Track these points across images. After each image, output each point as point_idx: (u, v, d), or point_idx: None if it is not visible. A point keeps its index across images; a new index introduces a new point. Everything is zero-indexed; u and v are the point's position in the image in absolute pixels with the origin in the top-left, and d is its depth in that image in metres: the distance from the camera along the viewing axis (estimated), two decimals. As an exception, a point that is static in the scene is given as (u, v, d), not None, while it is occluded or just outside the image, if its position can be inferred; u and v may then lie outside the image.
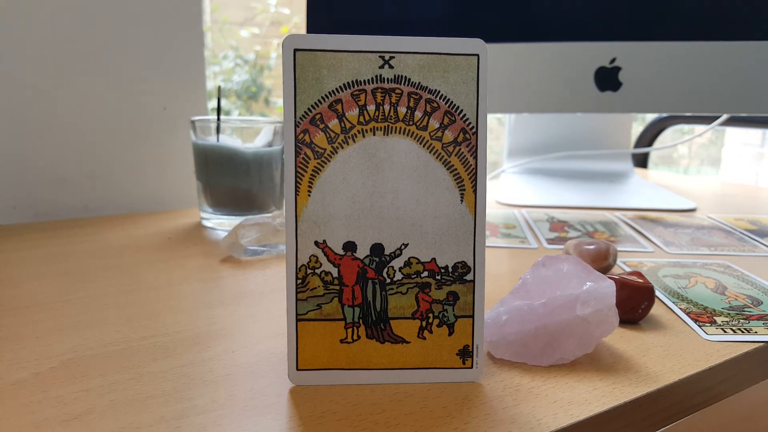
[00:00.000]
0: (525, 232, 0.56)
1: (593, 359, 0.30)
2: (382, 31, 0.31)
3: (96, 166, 0.60)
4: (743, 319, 0.35)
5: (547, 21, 0.66)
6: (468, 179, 0.27)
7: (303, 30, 0.71)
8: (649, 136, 1.08)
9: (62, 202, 0.59)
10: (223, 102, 0.89)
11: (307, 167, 0.26)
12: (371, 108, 0.26)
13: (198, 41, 0.63)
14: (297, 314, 0.27)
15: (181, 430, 0.24)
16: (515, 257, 0.48)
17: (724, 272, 0.44)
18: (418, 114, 0.26)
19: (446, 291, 0.27)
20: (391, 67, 0.26)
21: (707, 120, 0.95)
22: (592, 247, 0.43)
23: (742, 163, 2.55)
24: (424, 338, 0.27)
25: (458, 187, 0.27)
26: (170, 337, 0.32)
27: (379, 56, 0.26)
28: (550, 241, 0.53)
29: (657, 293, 0.39)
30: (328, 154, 0.26)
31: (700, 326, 0.34)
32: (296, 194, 0.26)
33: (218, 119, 0.54)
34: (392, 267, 0.27)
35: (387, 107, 0.26)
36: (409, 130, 0.26)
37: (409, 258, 0.27)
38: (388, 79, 0.26)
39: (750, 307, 0.37)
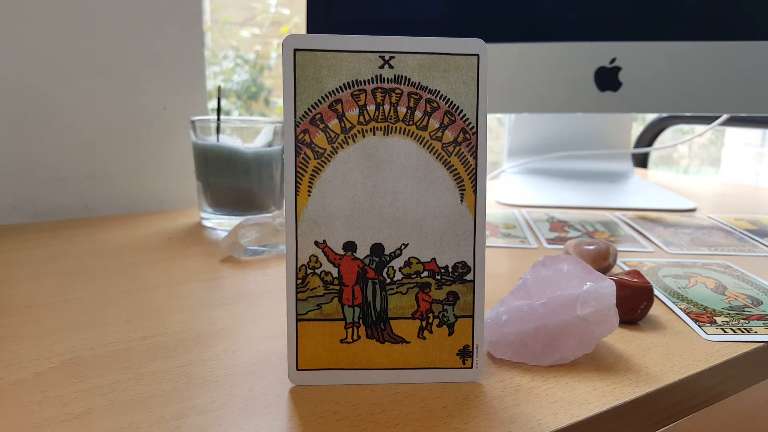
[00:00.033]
0: (525, 232, 0.56)
1: (593, 359, 0.30)
2: (382, 31, 0.31)
3: (96, 166, 0.60)
4: (743, 319, 0.35)
5: (547, 21, 0.66)
6: (468, 179, 0.27)
7: (303, 30, 0.71)
8: (649, 136, 1.08)
9: (62, 202, 0.59)
10: (223, 102, 0.89)
11: (307, 167, 0.26)
12: (371, 108, 0.26)
13: (198, 41, 0.63)
14: (297, 314, 0.27)
15: (181, 430, 0.24)
16: (515, 257, 0.48)
17: (724, 272, 0.44)
18: (418, 114, 0.26)
19: (446, 291, 0.27)
20: (391, 67, 0.26)
21: (707, 120, 0.95)
22: (592, 247, 0.43)
23: (742, 163, 2.55)
24: (424, 338, 0.27)
25: (458, 187, 0.27)
26: (170, 337, 0.32)
27: (379, 56, 0.26)
28: (550, 241, 0.53)
29: (657, 293, 0.39)
30: (328, 154, 0.26)
31: (700, 326, 0.34)
32: (296, 194, 0.26)
33: (218, 119, 0.54)
34: (392, 267, 0.27)
35: (387, 107, 0.26)
36: (409, 130, 0.26)
37: (409, 258, 0.27)
38: (388, 79, 0.26)
39: (750, 307, 0.37)
